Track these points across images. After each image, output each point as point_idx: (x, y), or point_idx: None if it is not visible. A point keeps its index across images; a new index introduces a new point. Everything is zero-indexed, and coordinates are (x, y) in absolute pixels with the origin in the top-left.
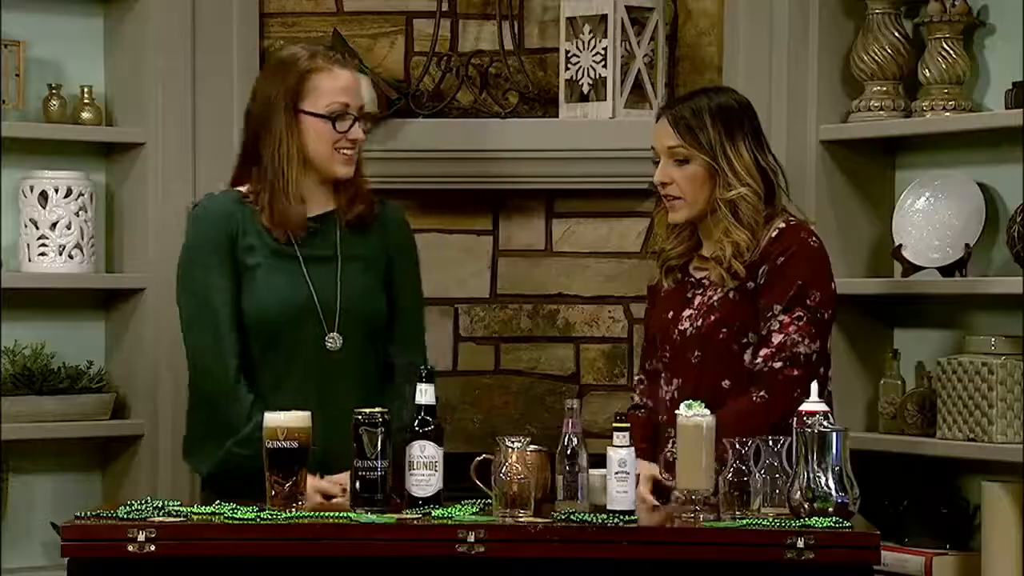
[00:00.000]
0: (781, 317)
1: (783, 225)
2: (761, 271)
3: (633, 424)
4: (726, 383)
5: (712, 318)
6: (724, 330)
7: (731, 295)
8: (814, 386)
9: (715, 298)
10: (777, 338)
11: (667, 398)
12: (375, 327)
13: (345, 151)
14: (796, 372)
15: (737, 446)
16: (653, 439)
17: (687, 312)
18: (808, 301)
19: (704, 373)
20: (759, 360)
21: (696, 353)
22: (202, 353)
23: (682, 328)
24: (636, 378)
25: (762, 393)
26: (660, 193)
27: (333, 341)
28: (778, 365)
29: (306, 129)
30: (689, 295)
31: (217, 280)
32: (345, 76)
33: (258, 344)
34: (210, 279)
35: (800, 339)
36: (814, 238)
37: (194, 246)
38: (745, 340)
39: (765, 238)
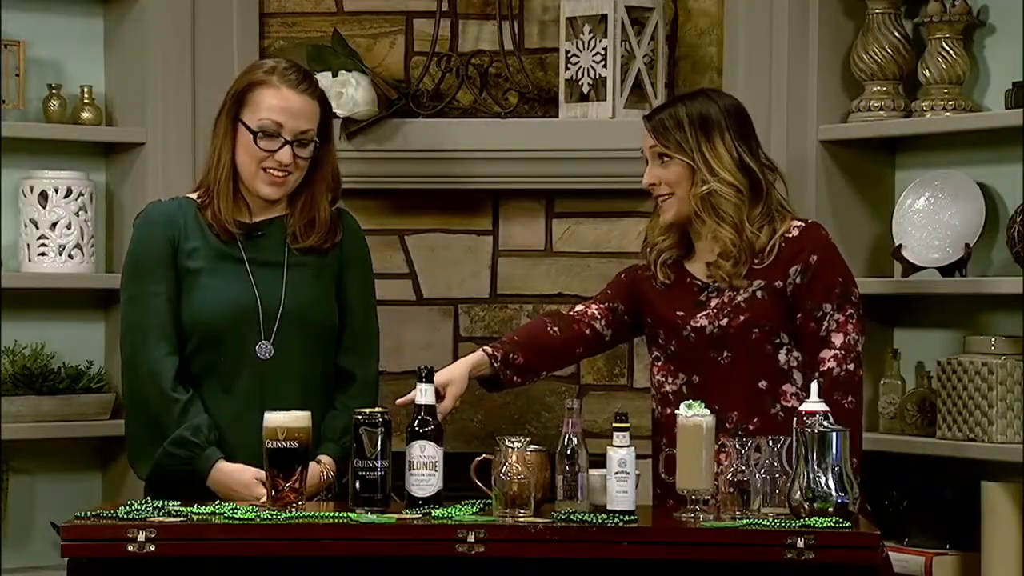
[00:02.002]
0: (836, 316)
1: (800, 223)
2: (793, 270)
3: (534, 327)
4: (763, 384)
5: (741, 318)
6: (756, 330)
7: (759, 295)
8: (814, 386)
9: (739, 298)
10: (838, 338)
11: (671, 391)
12: (321, 334)
13: (272, 171)
14: (861, 372)
15: (737, 446)
16: (539, 353)
17: (703, 312)
18: (853, 298)
19: (738, 374)
20: (831, 365)
21: (725, 354)
22: (135, 358)
23: (698, 325)
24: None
25: (850, 398)
26: (653, 196)
27: (263, 350)
28: (852, 367)
29: (239, 140)
30: (703, 297)
31: (155, 287)
32: (290, 97)
33: (201, 348)
34: (149, 286)
35: (858, 338)
36: (830, 237)
37: (135, 253)
38: (777, 340)
39: (782, 238)
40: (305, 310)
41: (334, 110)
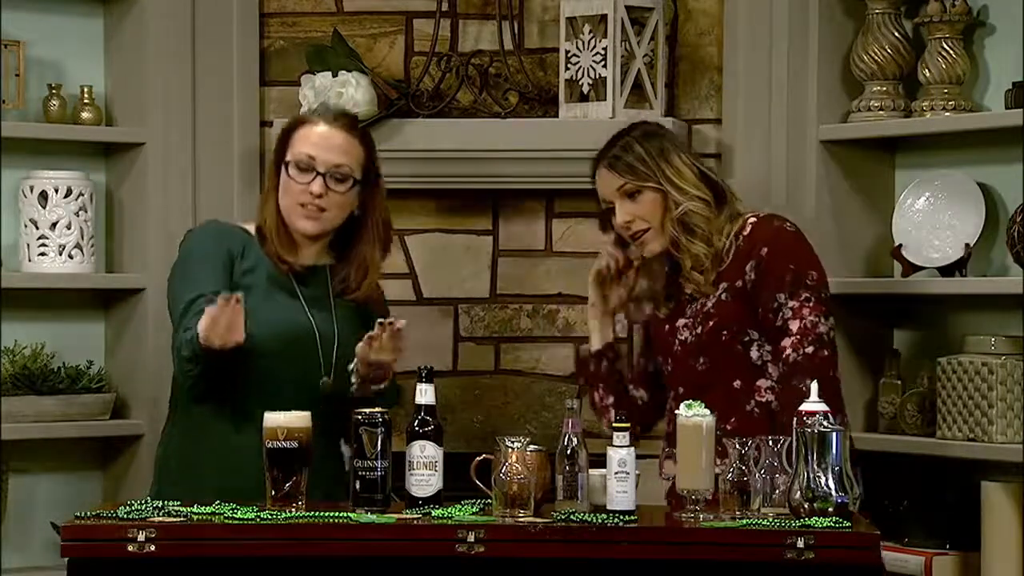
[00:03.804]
0: (791, 304)
1: (754, 219)
2: (748, 267)
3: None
4: (737, 383)
5: (710, 323)
6: (724, 332)
7: (724, 297)
8: (814, 386)
9: (708, 304)
10: (795, 324)
11: (669, 408)
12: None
13: (307, 205)
14: (826, 352)
15: (737, 446)
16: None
17: (682, 322)
18: (808, 282)
19: (715, 377)
20: (788, 351)
21: (701, 360)
22: (176, 326)
23: (681, 338)
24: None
25: (808, 382)
26: (628, 236)
27: (326, 385)
28: (810, 350)
29: (281, 178)
30: (683, 306)
31: (217, 270)
32: (324, 131)
33: (245, 366)
34: (211, 268)
35: (817, 319)
36: (788, 224)
37: (200, 241)
38: (747, 338)
39: (737, 236)
40: (350, 347)
41: None
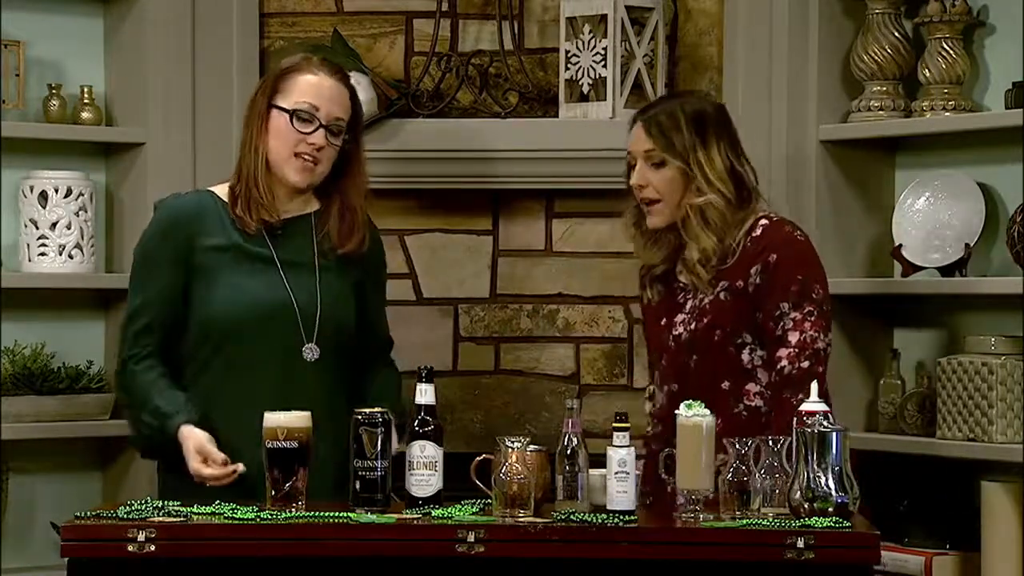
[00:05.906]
0: (793, 315)
1: (765, 222)
2: (754, 270)
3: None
4: (725, 384)
5: (705, 320)
6: (718, 332)
7: (722, 296)
8: (814, 386)
9: (706, 301)
10: (794, 336)
11: (659, 404)
12: (348, 334)
13: (304, 156)
14: (820, 368)
15: (737, 446)
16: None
17: (679, 317)
18: (814, 296)
19: (702, 376)
20: (784, 362)
21: (693, 357)
22: (120, 348)
23: (676, 333)
24: (648, 391)
25: (800, 396)
26: (638, 198)
27: (311, 352)
28: (806, 365)
29: (271, 125)
30: (680, 299)
31: (164, 273)
32: (325, 82)
33: (221, 348)
34: (158, 273)
35: (817, 335)
36: (799, 232)
37: (149, 238)
38: (740, 340)
39: (746, 236)
40: (338, 313)
41: None
